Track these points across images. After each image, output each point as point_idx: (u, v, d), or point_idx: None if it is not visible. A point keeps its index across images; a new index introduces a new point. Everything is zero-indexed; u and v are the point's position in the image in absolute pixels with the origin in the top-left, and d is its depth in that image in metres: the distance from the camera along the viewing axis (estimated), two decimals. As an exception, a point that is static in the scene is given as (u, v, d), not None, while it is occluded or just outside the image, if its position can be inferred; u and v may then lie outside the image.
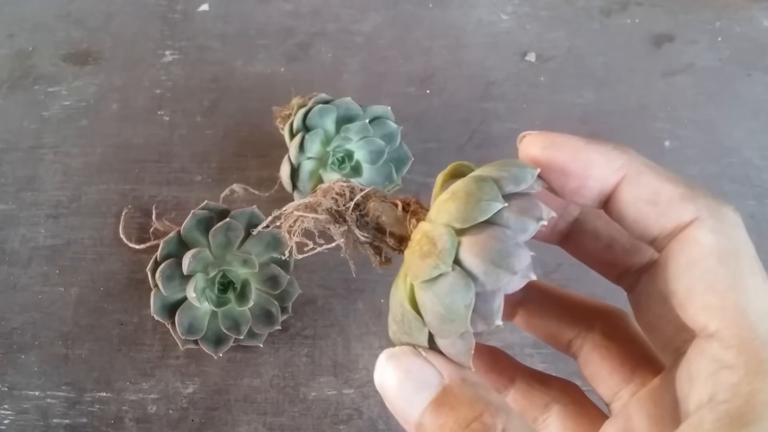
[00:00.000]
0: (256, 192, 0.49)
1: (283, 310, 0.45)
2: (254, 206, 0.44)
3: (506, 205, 0.19)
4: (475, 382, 0.20)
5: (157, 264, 0.42)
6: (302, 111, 0.47)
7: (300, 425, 0.43)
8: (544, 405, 0.26)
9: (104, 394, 0.44)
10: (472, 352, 0.19)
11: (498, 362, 0.27)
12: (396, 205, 0.22)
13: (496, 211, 0.19)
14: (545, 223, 0.19)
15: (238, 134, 0.54)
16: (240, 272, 0.44)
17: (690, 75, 0.59)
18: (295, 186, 0.47)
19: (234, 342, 0.43)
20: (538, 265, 0.19)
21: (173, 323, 0.42)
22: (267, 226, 0.23)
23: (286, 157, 0.47)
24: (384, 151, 0.48)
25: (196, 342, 0.43)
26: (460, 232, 0.19)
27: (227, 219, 0.43)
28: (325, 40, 0.60)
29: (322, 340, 0.46)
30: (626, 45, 0.61)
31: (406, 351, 0.20)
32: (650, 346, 0.24)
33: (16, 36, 0.59)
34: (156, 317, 0.42)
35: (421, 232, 0.20)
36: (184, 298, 0.43)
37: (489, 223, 0.19)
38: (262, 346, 0.45)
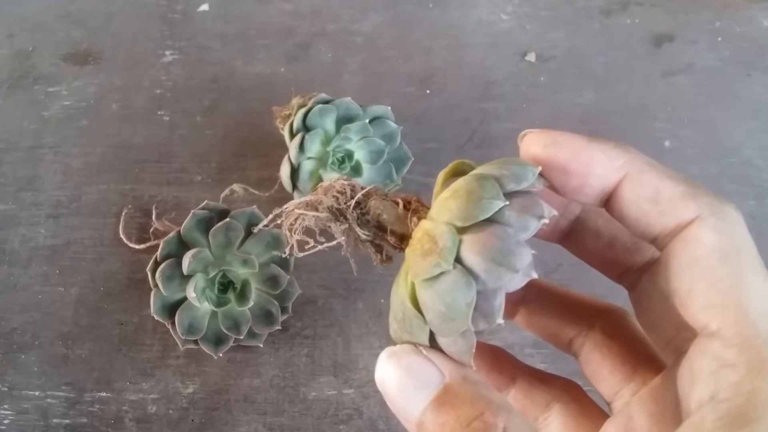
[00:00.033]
0: (256, 192, 0.49)
1: (283, 310, 0.45)
2: (254, 206, 0.44)
3: (507, 203, 0.19)
4: (476, 381, 0.20)
5: (157, 264, 0.42)
6: (302, 111, 0.47)
7: (300, 425, 0.43)
8: (545, 404, 0.26)
9: (104, 394, 0.44)
10: (474, 350, 0.19)
11: (499, 361, 0.27)
12: (397, 204, 0.22)
13: (497, 209, 0.19)
14: (546, 221, 0.19)
15: (238, 134, 0.54)
16: (240, 272, 0.44)
17: (690, 75, 0.59)
18: (295, 186, 0.47)
19: (234, 342, 0.43)
20: (538, 265, 0.19)
21: (173, 323, 0.42)
22: (267, 225, 0.23)
23: (286, 157, 0.47)
24: (384, 151, 0.48)
25: (196, 342, 0.43)
26: (462, 231, 0.19)
27: (227, 219, 0.43)
28: (325, 40, 0.60)
29: (322, 340, 0.46)
30: (626, 45, 0.61)
31: (407, 349, 0.20)
32: (651, 345, 0.24)
33: (16, 36, 0.59)
34: (156, 317, 0.42)
35: (422, 231, 0.20)
36: (184, 298, 0.43)
37: (490, 221, 0.19)
38: (262, 346, 0.45)
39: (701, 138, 0.56)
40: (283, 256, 0.44)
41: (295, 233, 0.22)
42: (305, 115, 0.47)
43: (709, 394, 0.17)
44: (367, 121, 0.47)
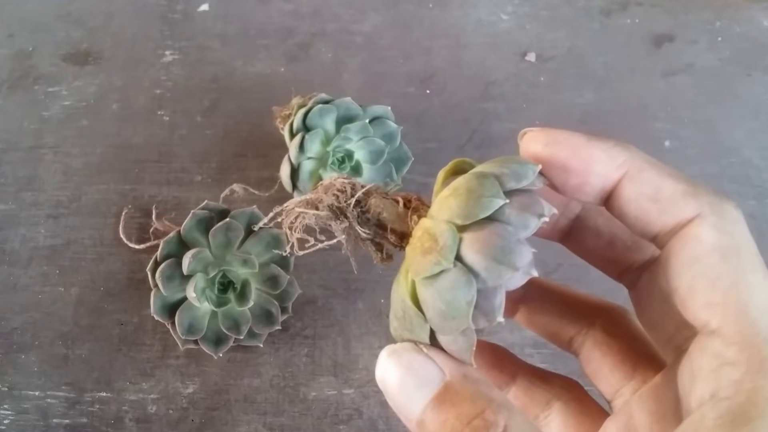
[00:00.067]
0: (256, 192, 0.49)
1: (283, 310, 0.45)
2: (254, 206, 0.44)
3: (507, 201, 0.19)
4: (476, 379, 0.20)
5: (157, 264, 0.42)
6: (302, 111, 0.47)
7: (300, 425, 0.43)
8: (546, 402, 0.26)
9: (104, 394, 0.44)
10: (474, 348, 0.19)
11: (499, 359, 0.27)
12: (397, 202, 0.22)
13: (497, 207, 0.19)
14: (546, 219, 0.19)
15: (238, 134, 0.54)
16: (240, 272, 0.44)
17: (690, 75, 0.59)
18: (295, 186, 0.47)
19: (234, 342, 0.43)
20: (538, 264, 0.19)
21: (173, 323, 0.42)
22: (268, 223, 0.23)
23: (286, 157, 0.47)
24: (384, 151, 0.48)
25: (196, 342, 0.43)
26: (462, 229, 0.19)
27: (227, 219, 0.43)
28: (325, 40, 0.60)
29: (322, 340, 0.46)
30: (626, 45, 0.61)
31: (407, 347, 0.20)
32: (651, 344, 0.24)
33: (16, 36, 0.59)
34: (156, 317, 0.42)
35: (422, 229, 0.20)
36: (184, 298, 0.43)
37: (490, 219, 0.19)
38: (262, 346, 0.45)
39: (701, 138, 0.56)
40: (284, 254, 0.44)
41: (295, 232, 0.22)
42: (305, 115, 0.47)
43: (709, 392, 0.17)
44: (367, 121, 0.47)
